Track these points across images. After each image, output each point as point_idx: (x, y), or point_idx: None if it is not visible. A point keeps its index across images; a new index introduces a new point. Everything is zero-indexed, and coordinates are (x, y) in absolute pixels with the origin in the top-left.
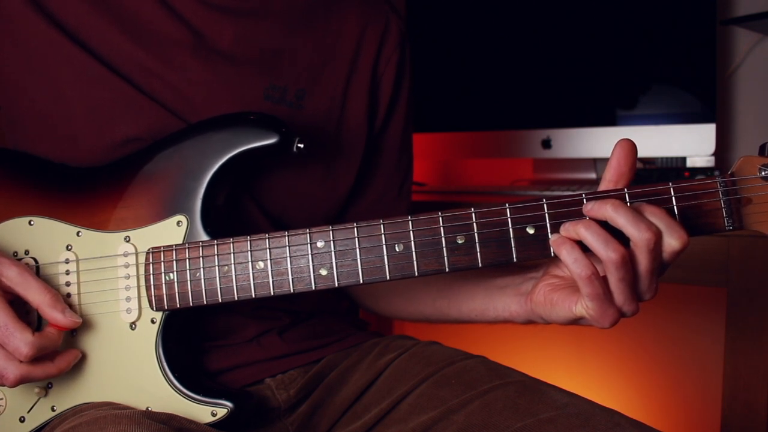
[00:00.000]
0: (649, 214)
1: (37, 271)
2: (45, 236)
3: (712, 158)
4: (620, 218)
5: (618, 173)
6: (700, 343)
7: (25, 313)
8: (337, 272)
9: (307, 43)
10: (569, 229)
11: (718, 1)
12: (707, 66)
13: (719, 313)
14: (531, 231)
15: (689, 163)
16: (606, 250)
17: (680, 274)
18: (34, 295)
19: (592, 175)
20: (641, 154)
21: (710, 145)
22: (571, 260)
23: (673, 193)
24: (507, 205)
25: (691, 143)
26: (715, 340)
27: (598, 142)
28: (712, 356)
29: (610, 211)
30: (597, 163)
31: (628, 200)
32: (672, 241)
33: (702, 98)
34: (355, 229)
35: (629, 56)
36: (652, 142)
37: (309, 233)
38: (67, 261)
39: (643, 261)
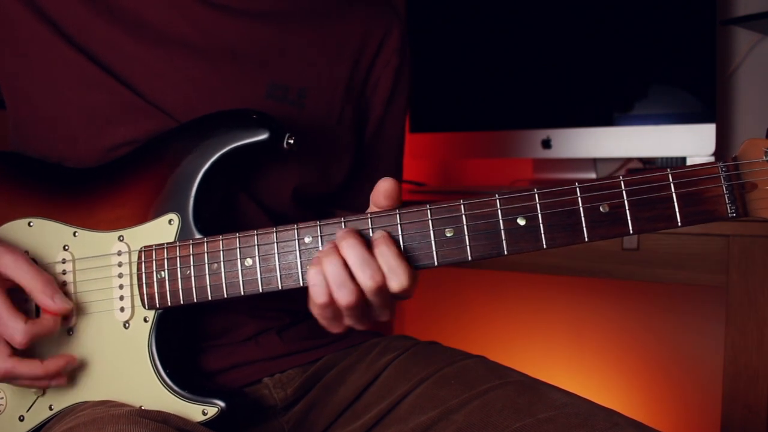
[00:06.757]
0: (378, 253)
1: None
2: (43, 237)
3: (712, 158)
4: (350, 258)
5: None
6: (700, 343)
7: (24, 301)
8: None
9: (311, 42)
10: (323, 253)
11: (718, 1)
12: (707, 66)
13: (719, 313)
14: (522, 222)
15: (689, 163)
16: (337, 292)
17: (680, 274)
18: (27, 280)
19: (592, 175)
20: (641, 154)
21: (710, 145)
22: (311, 283)
23: (671, 179)
24: (497, 195)
25: (691, 143)
26: (715, 340)
27: (598, 142)
28: (712, 356)
29: (344, 248)
30: (597, 163)
31: (623, 187)
32: (393, 284)
33: (702, 98)
34: (343, 224)
35: (629, 56)
36: (652, 142)
37: (296, 229)
38: (63, 261)
39: (372, 299)
